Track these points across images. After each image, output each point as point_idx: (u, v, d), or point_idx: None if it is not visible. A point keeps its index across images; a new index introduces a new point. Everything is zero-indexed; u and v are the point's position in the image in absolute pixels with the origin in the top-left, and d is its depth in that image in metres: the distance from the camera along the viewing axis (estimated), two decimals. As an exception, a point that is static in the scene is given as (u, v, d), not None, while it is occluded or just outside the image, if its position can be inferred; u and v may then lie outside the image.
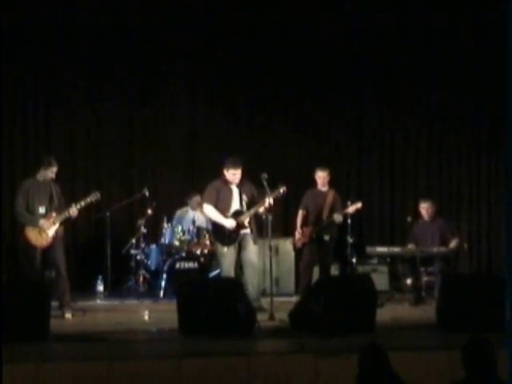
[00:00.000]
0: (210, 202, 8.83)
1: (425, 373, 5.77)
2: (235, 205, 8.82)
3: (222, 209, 8.77)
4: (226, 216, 8.73)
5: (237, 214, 8.74)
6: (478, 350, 4.36)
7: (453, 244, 9.76)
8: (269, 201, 8.41)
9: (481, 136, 12.08)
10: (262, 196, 8.55)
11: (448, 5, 10.92)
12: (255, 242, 8.76)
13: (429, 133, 12.01)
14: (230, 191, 8.84)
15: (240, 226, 8.70)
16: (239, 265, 8.79)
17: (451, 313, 7.32)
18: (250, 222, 8.77)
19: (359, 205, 9.78)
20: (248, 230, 8.75)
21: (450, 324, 7.22)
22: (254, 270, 8.70)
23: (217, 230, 8.84)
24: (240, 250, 8.73)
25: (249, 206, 8.77)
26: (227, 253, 8.67)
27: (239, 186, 8.85)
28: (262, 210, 8.60)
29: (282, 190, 8.64)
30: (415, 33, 11.48)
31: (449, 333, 7.06)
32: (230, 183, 8.82)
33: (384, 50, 11.56)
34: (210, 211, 8.85)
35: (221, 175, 8.89)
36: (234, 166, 8.76)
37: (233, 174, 8.76)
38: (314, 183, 9.86)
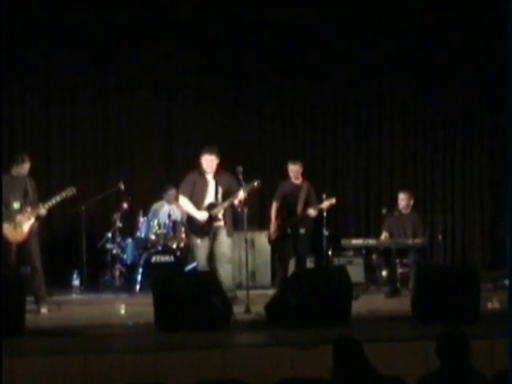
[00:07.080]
0: (185, 194, 8.85)
1: (400, 364, 5.79)
2: (210, 197, 8.81)
3: (197, 201, 8.78)
4: (200, 208, 8.74)
5: (211, 207, 8.75)
6: (452, 341, 4.41)
7: (419, 240, 9.77)
8: (243, 194, 8.43)
9: (455, 128, 12.16)
10: (238, 188, 8.57)
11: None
12: (229, 235, 8.78)
13: (403, 125, 12.08)
14: (206, 183, 8.82)
15: (213, 218, 8.71)
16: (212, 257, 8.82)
17: (426, 304, 7.37)
18: (224, 215, 8.78)
19: (333, 200, 9.75)
20: (222, 223, 8.77)
21: (425, 315, 7.26)
22: (226, 261, 8.71)
23: (191, 222, 8.87)
24: (213, 242, 8.75)
25: (224, 198, 8.76)
26: (201, 245, 8.71)
27: (216, 176, 8.84)
28: (236, 202, 8.61)
29: (256, 184, 8.65)
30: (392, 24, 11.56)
31: (424, 324, 7.10)
32: (207, 173, 8.81)
33: (359, 42, 11.58)
34: (184, 203, 8.89)
35: (198, 167, 8.88)
36: (209, 152, 8.74)
37: (207, 161, 8.75)
38: (287, 175, 9.87)
